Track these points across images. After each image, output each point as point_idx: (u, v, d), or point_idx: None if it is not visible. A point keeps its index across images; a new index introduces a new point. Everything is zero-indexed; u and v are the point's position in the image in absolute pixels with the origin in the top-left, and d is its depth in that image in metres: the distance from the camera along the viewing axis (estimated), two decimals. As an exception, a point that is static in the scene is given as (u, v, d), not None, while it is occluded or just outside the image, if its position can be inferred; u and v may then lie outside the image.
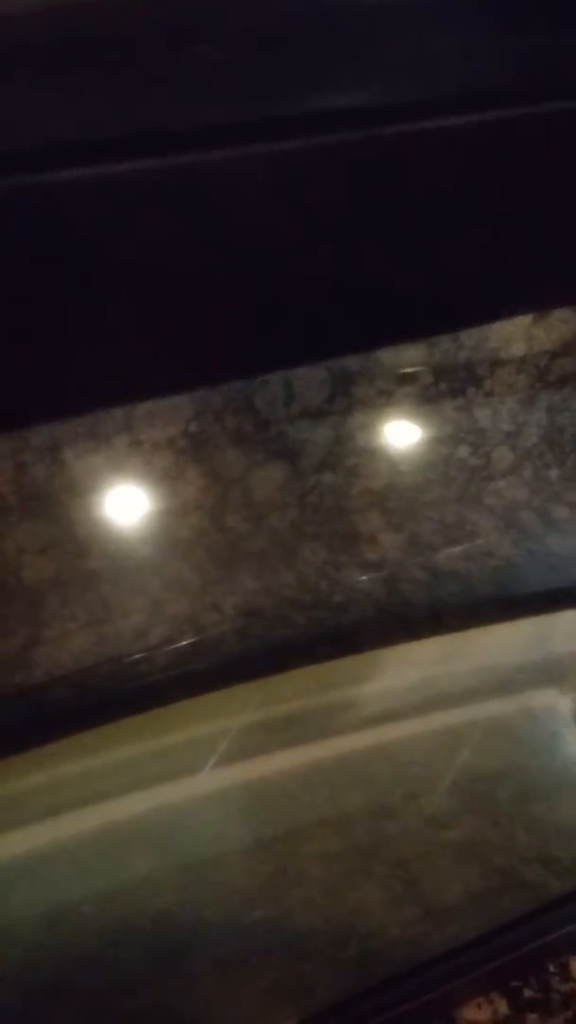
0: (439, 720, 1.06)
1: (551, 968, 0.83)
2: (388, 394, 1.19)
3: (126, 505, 1.10)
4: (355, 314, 1.01)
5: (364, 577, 1.18)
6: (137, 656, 1.08)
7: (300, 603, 1.16)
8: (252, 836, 0.93)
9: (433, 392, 1.18)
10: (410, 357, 1.14)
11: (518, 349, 1.18)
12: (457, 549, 1.21)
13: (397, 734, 1.05)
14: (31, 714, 1.03)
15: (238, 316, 0.88)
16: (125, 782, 0.99)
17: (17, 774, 0.97)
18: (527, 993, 0.80)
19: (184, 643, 1.10)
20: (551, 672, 1.13)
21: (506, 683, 1.12)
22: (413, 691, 1.10)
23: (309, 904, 0.86)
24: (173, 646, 1.10)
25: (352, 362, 1.17)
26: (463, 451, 1.22)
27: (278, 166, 0.75)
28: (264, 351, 0.97)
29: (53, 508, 1.08)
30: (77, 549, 1.09)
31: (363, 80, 0.72)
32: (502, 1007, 0.79)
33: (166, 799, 0.97)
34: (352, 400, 1.18)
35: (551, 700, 1.09)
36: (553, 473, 1.25)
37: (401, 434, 1.19)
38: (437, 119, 0.78)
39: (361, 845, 0.92)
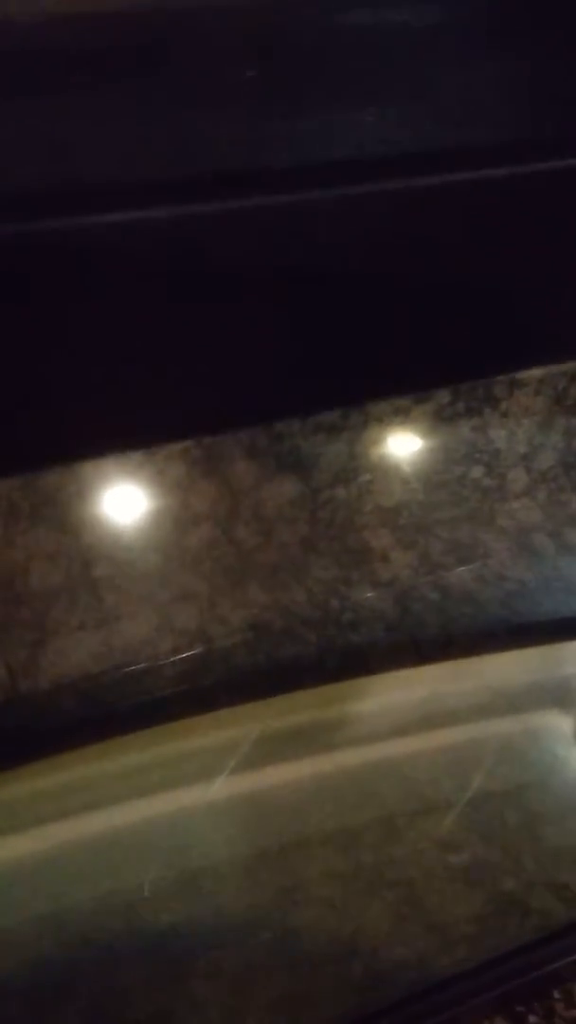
0: (447, 739, 1.05)
1: (556, 995, 0.81)
2: (404, 412, 1.18)
3: (137, 514, 1.09)
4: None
5: (374, 595, 1.17)
6: (145, 667, 1.07)
7: (310, 620, 1.15)
8: (257, 850, 0.91)
9: (449, 411, 1.17)
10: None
11: (536, 371, 1.18)
12: (469, 570, 1.20)
13: (404, 751, 1.04)
14: (37, 722, 1.02)
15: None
16: (129, 791, 0.98)
17: (21, 779, 0.96)
18: (532, 1019, 0.79)
19: (191, 656, 1.09)
20: (561, 694, 1.12)
21: (515, 704, 1.10)
22: (420, 709, 1.09)
23: (313, 921, 0.84)
24: (181, 657, 1.09)
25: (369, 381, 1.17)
26: (477, 471, 1.21)
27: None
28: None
29: (63, 515, 1.07)
30: (86, 557, 1.08)
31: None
32: (507, 1033, 0.78)
33: (170, 810, 0.96)
34: (367, 417, 1.17)
35: (560, 722, 1.08)
36: (568, 497, 1.24)
37: (415, 452, 1.18)
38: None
39: (366, 864, 0.90)
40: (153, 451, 1.09)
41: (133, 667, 1.07)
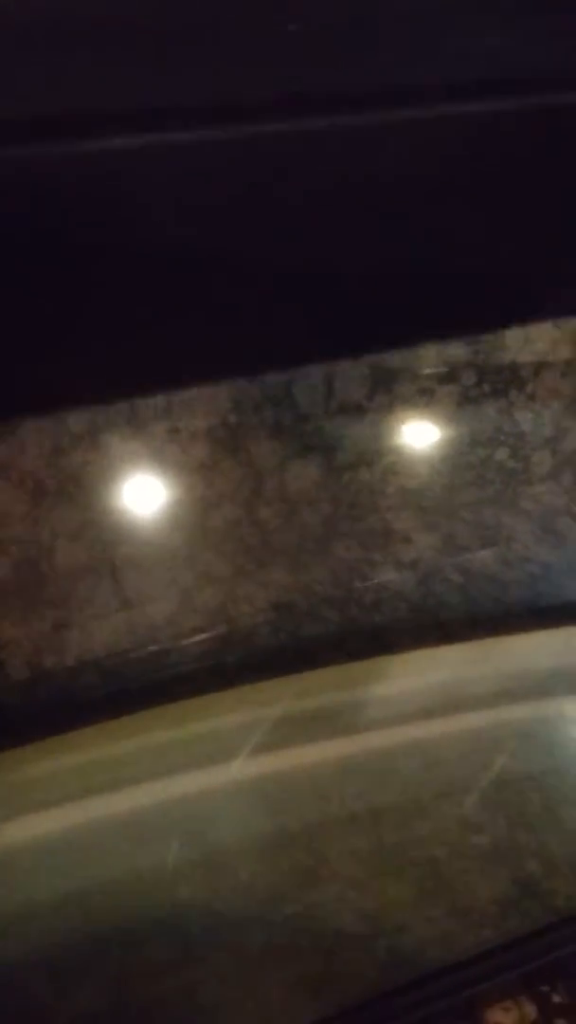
0: (469, 721, 1.05)
1: (580, 975, 0.81)
2: (429, 393, 1.18)
3: (161, 493, 1.09)
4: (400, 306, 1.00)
5: (397, 576, 1.16)
6: (168, 645, 1.07)
7: (332, 600, 1.15)
8: (279, 829, 0.91)
9: (475, 392, 1.17)
10: (453, 356, 1.13)
11: (564, 353, 1.17)
12: (492, 552, 1.19)
13: (426, 733, 1.03)
14: (61, 698, 1.02)
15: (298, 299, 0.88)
16: (152, 769, 0.98)
17: (45, 756, 0.97)
18: (556, 999, 0.79)
19: (214, 635, 1.09)
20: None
21: (538, 687, 1.10)
22: (443, 690, 1.09)
23: (336, 899, 0.85)
24: (203, 636, 1.09)
25: (394, 359, 1.16)
26: (502, 453, 1.20)
27: (346, 140, 0.74)
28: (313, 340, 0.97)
29: (88, 494, 1.07)
30: (110, 536, 1.08)
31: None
32: (530, 1011, 0.78)
33: (193, 788, 0.96)
34: (392, 397, 1.17)
35: (585, 706, 1.08)
36: (593, 480, 1.23)
37: (440, 433, 1.18)
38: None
39: (389, 843, 0.90)
40: (177, 430, 1.09)
41: (156, 646, 1.08)
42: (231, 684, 1.05)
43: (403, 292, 0.95)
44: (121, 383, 0.99)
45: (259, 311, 0.91)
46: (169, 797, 0.96)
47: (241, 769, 0.99)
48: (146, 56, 0.61)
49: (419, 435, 1.18)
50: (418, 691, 1.10)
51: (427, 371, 1.17)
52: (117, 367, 0.92)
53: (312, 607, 1.14)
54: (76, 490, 1.06)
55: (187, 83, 0.64)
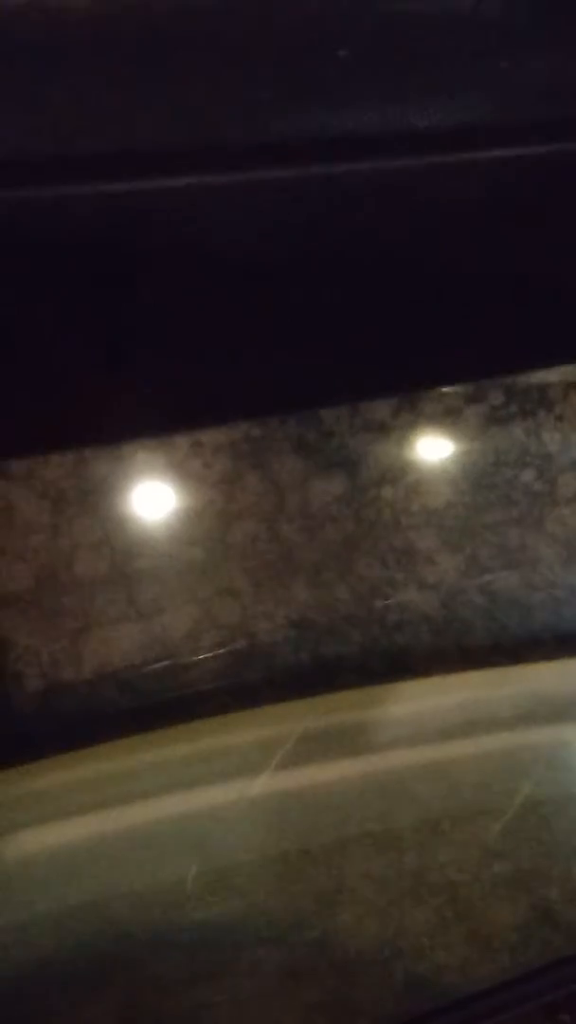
0: (491, 745, 1.03)
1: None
2: (456, 412, 1.17)
3: (183, 507, 1.08)
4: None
5: (419, 596, 1.15)
6: (186, 660, 1.06)
7: (354, 619, 1.13)
8: (298, 849, 0.90)
9: (503, 413, 1.16)
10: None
11: (592, 374, 1.16)
12: (517, 575, 1.18)
13: (448, 755, 1.02)
14: (78, 711, 1.01)
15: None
16: (169, 784, 0.97)
17: (60, 768, 0.95)
18: (578, 1032, 0.77)
19: (234, 651, 1.08)
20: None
21: (561, 713, 1.08)
22: (465, 713, 1.07)
23: (354, 923, 0.83)
24: (223, 652, 1.07)
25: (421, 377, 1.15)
26: (528, 475, 1.19)
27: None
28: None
29: (110, 505, 1.07)
30: (130, 548, 1.07)
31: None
32: (552, 1044, 0.75)
33: (211, 805, 0.95)
34: (418, 416, 1.16)
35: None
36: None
37: (465, 453, 1.17)
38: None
39: (409, 867, 0.89)
40: (201, 444, 1.09)
41: (174, 660, 1.06)
42: (250, 701, 1.03)
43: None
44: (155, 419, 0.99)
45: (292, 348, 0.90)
46: (185, 813, 0.94)
47: (259, 787, 0.98)
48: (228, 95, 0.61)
49: (444, 454, 1.17)
50: (439, 713, 1.08)
51: (454, 390, 1.16)
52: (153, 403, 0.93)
53: (333, 625, 1.12)
54: (98, 501, 1.06)
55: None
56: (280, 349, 0.90)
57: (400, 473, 1.16)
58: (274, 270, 0.80)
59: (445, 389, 1.15)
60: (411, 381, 1.05)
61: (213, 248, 0.72)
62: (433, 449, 1.17)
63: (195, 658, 1.05)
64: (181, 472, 1.08)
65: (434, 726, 1.07)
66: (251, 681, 1.05)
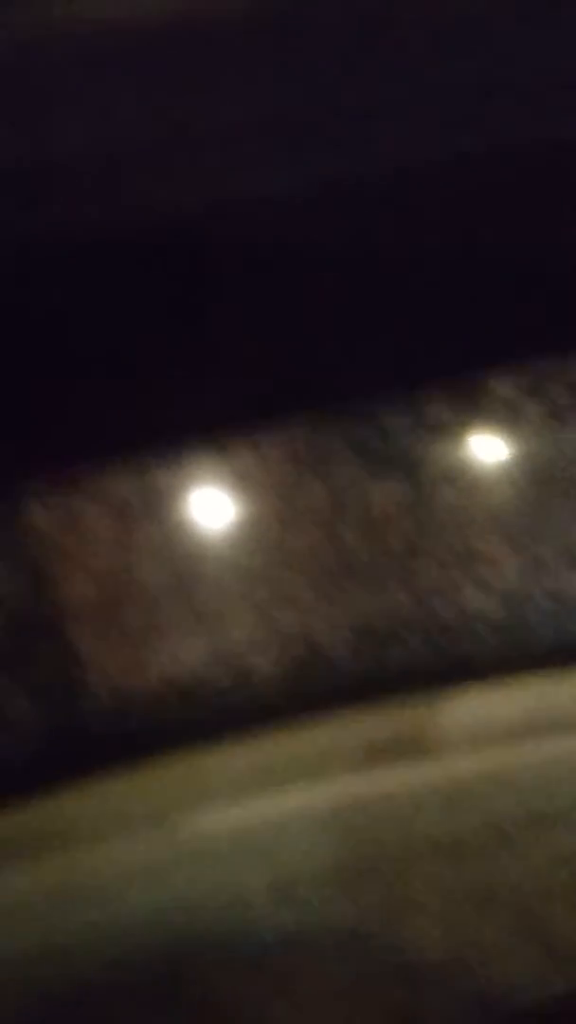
0: (558, 750, 1.01)
1: None
2: (517, 410, 1.15)
3: (243, 513, 1.08)
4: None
5: (483, 600, 1.13)
6: (247, 668, 1.06)
7: (416, 624, 1.12)
8: (362, 859, 0.89)
9: (568, 413, 1.13)
10: (543, 371, 1.11)
11: None
12: (583, 577, 1.15)
13: (514, 761, 1.00)
14: (141, 721, 1.02)
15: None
16: (230, 795, 0.97)
17: (123, 781, 0.96)
18: None
19: (295, 658, 1.08)
20: None
21: None
22: (530, 718, 1.05)
23: (421, 934, 0.82)
24: (284, 660, 1.07)
25: (480, 375, 1.14)
26: (593, 474, 1.17)
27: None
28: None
29: (170, 513, 1.07)
30: (191, 556, 1.07)
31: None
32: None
33: (273, 815, 0.94)
34: (478, 415, 1.14)
35: None
36: None
37: (528, 453, 1.15)
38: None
39: (476, 876, 0.87)
40: (261, 450, 1.08)
41: (235, 668, 1.06)
42: (313, 710, 1.03)
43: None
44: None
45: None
46: (247, 823, 0.94)
47: (322, 796, 0.97)
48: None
49: (506, 454, 1.15)
50: (504, 718, 1.07)
51: (514, 387, 1.14)
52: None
53: (395, 631, 1.11)
54: (158, 509, 1.06)
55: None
56: (335, 346, 0.90)
57: (460, 473, 1.14)
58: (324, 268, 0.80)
59: (505, 387, 1.13)
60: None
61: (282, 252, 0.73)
62: (495, 449, 1.15)
63: (256, 666, 1.05)
64: (241, 479, 1.08)
65: (499, 731, 1.05)
66: (311, 688, 1.05)
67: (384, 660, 1.10)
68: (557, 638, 1.12)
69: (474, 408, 1.12)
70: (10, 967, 0.81)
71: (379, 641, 1.10)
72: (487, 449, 1.15)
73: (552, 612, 1.13)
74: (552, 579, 1.15)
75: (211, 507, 1.07)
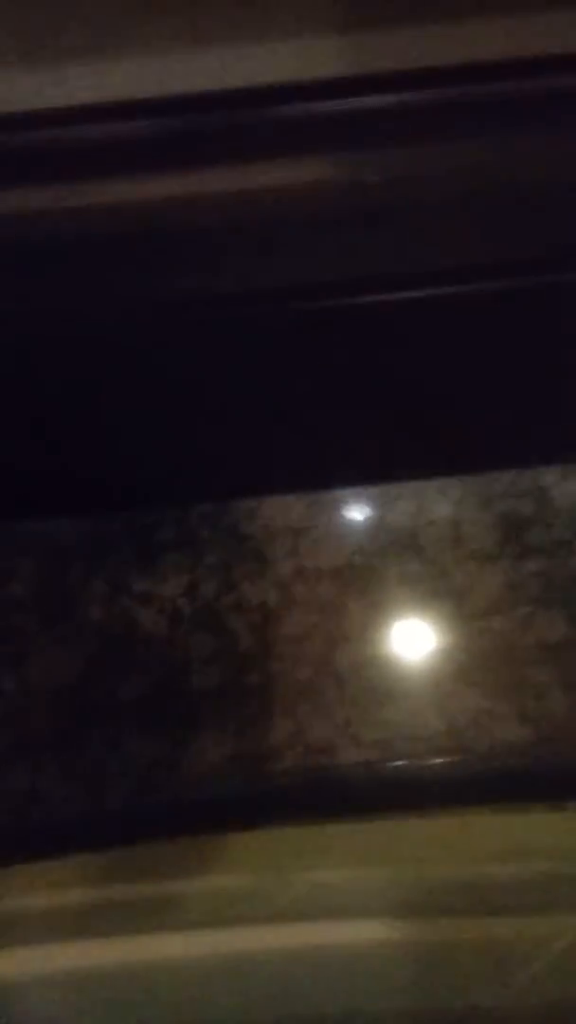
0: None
1: None
2: (567, 544, 1.14)
3: (286, 628, 1.17)
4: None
5: (522, 732, 1.10)
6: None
7: (446, 750, 1.11)
8: (436, 1007, 0.81)
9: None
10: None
11: None
12: None
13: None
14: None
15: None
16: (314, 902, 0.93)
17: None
18: None
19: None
20: None
21: None
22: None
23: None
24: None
25: (524, 507, 1.15)
26: None
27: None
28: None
29: (220, 622, 1.18)
30: (240, 663, 1.17)
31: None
32: None
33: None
34: (525, 547, 1.15)
35: None
36: None
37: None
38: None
39: None
40: (304, 570, 1.17)
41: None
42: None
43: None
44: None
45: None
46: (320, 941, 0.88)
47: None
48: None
49: (557, 585, 1.14)
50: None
51: (563, 520, 1.14)
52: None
53: (426, 755, 1.12)
54: (209, 618, 1.18)
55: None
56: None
57: (511, 604, 1.15)
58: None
59: (551, 521, 1.14)
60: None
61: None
62: (545, 580, 1.14)
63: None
64: (286, 595, 1.17)
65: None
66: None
67: (407, 777, 1.10)
68: None
69: (521, 540, 1.13)
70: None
71: (411, 761, 1.11)
72: (538, 581, 1.14)
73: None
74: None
75: (255, 618, 1.17)
